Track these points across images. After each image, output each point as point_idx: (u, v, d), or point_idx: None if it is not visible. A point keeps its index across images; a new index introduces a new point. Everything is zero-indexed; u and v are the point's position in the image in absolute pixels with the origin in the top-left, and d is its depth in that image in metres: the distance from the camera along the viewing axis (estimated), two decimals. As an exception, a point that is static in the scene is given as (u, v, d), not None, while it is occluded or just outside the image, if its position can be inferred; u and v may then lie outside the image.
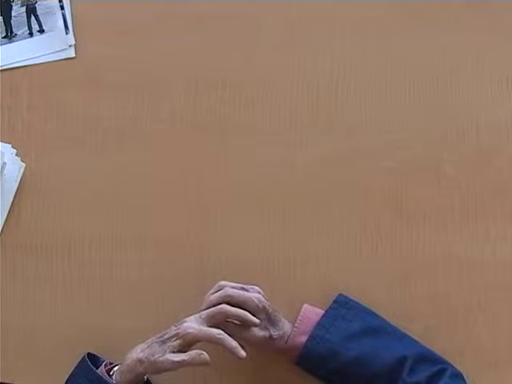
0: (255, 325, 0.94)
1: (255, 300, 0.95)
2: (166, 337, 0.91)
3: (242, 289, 0.96)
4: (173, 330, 0.91)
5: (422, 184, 1.05)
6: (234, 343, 0.90)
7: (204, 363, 0.89)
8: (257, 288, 0.97)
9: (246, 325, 0.95)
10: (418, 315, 1.03)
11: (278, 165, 1.06)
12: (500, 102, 1.07)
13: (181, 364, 0.89)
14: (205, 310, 0.94)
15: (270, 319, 0.96)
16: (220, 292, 0.95)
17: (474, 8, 1.08)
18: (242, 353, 0.90)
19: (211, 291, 0.96)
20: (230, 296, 0.94)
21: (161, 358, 0.89)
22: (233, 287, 0.96)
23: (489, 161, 1.06)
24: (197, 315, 0.93)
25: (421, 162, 1.06)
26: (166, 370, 0.89)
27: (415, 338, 1.00)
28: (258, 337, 0.96)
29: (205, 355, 0.88)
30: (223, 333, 0.90)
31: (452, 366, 0.98)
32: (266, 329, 0.96)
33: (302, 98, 1.07)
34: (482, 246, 1.05)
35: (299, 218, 1.05)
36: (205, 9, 1.08)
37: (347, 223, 1.05)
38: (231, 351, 0.90)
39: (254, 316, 0.95)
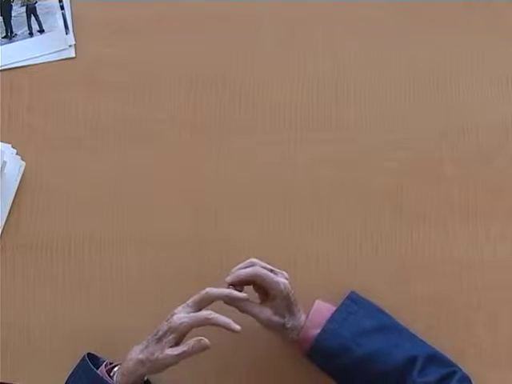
0: (244, 299, 0.94)
1: (282, 285, 0.95)
2: (160, 334, 0.91)
3: (272, 271, 0.96)
4: (165, 326, 0.91)
5: (422, 184, 1.06)
6: (226, 319, 0.90)
7: (205, 348, 0.89)
8: (285, 274, 0.97)
9: (262, 302, 0.95)
10: (418, 315, 1.03)
11: (278, 165, 1.06)
12: (500, 102, 1.07)
13: (182, 356, 0.89)
14: (231, 282, 0.94)
15: (289, 308, 0.96)
16: (251, 269, 0.95)
17: (474, 8, 1.08)
18: (237, 327, 0.89)
19: (241, 265, 0.96)
20: (259, 276, 0.94)
21: (161, 356, 0.89)
22: (263, 267, 0.96)
23: (489, 161, 1.06)
24: (184, 305, 0.92)
25: (421, 161, 1.06)
26: (169, 365, 0.90)
27: (415, 338, 1.01)
28: (272, 321, 0.95)
29: (204, 340, 0.89)
30: (213, 312, 0.90)
31: (461, 369, 0.98)
32: (282, 316, 0.96)
33: (301, 97, 1.07)
34: (481, 246, 1.05)
35: (299, 218, 1.05)
36: (205, 9, 1.08)
37: (347, 223, 1.05)
38: (225, 327, 0.89)
39: (275, 300, 0.95)
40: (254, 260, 0.97)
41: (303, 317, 0.98)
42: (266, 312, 0.95)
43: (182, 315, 0.91)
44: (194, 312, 0.91)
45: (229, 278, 0.95)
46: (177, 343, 0.90)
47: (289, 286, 0.96)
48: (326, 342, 0.95)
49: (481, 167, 1.06)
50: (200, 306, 0.92)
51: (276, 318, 0.96)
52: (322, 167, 1.06)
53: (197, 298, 0.92)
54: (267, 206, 1.06)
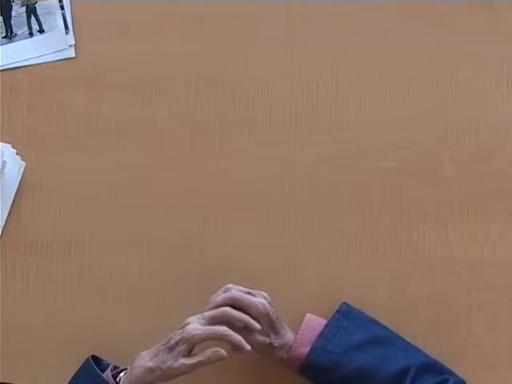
0: (256, 329, 0.94)
1: (259, 305, 0.95)
2: (172, 343, 0.90)
3: (249, 293, 0.96)
4: (177, 335, 0.91)
5: (422, 184, 1.05)
6: (239, 337, 0.90)
7: (222, 359, 0.89)
8: (263, 294, 0.97)
9: (247, 329, 0.94)
10: (417, 315, 1.03)
11: (278, 165, 1.06)
12: (500, 102, 1.07)
13: (197, 366, 0.89)
14: (209, 310, 0.94)
15: (272, 326, 0.96)
16: (226, 294, 0.95)
17: (474, 8, 1.08)
18: (248, 347, 0.90)
19: (218, 293, 0.96)
20: (235, 299, 0.94)
21: (175, 365, 0.89)
22: (239, 290, 0.96)
23: (489, 161, 1.06)
24: (199, 316, 0.92)
25: (421, 161, 1.06)
26: (182, 374, 0.89)
27: (415, 338, 1.00)
28: (258, 341, 0.95)
29: (221, 351, 0.89)
30: (228, 329, 0.90)
31: (456, 375, 0.98)
32: (267, 335, 0.96)
33: (301, 97, 1.07)
34: (481, 246, 1.05)
35: (299, 218, 1.05)
36: (205, 9, 1.08)
37: (347, 223, 1.05)
38: (237, 346, 0.90)
39: (257, 321, 0.95)
40: (229, 285, 0.97)
41: (289, 334, 0.98)
42: (251, 334, 0.95)
43: (196, 326, 0.91)
44: (207, 325, 0.91)
45: (208, 307, 0.94)
46: (189, 353, 0.90)
47: (268, 306, 0.96)
48: (316, 359, 0.95)
49: (481, 167, 1.06)
50: (214, 321, 0.92)
51: (262, 339, 0.96)
52: (322, 167, 1.06)
53: (214, 313, 0.92)
54: (267, 205, 1.06)
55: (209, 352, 0.89)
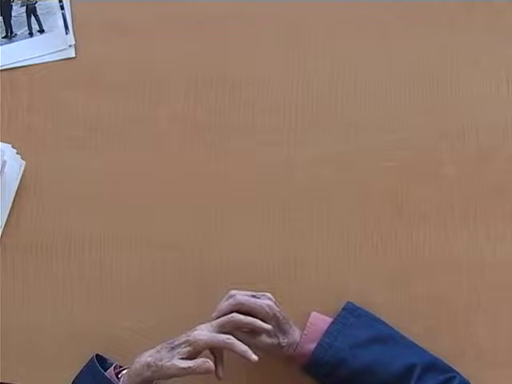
0: (267, 331, 0.94)
1: (266, 307, 0.95)
2: (175, 343, 0.91)
3: (253, 296, 0.96)
4: (183, 337, 0.91)
5: (422, 184, 1.05)
6: (244, 347, 0.90)
7: (208, 371, 0.89)
8: (268, 295, 0.97)
9: (255, 332, 0.95)
10: (417, 315, 1.03)
11: (278, 165, 1.06)
12: (500, 102, 1.07)
13: (186, 371, 0.89)
14: (216, 318, 0.94)
15: (279, 327, 0.96)
16: (231, 300, 0.95)
17: (474, 8, 1.08)
18: (254, 357, 0.90)
19: (223, 300, 0.96)
20: (240, 303, 0.95)
21: (168, 364, 0.89)
22: (243, 295, 0.96)
23: (489, 161, 1.06)
24: (208, 324, 0.93)
25: (421, 161, 1.06)
26: (172, 375, 0.89)
27: (415, 338, 1.00)
28: (267, 344, 0.96)
29: (209, 363, 0.89)
30: (232, 338, 0.90)
31: (460, 375, 0.98)
32: (276, 336, 0.96)
33: (301, 97, 1.07)
34: (481, 246, 1.05)
35: (299, 218, 1.05)
36: (205, 9, 1.08)
37: (347, 223, 1.05)
38: (242, 355, 0.90)
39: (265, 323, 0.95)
40: (233, 292, 0.97)
41: (297, 332, 0.98)
42: (258, 337, 0.95)
43: (202, 332, 0.91)
44: (215, 333, 0.91)
45: (214, 315, 0.95)
46: (189, 357, 0.90)
47: (274, 307, 0.96)
48: (323, 356, 0.96)
49: (481, 167, 1.06)
50: (223, 329, 0.92)
51: (270, 341, 0.96)
52: (321, 167, 1.06)
53: (222, 321, 0.93)
54: (267, 206, 1.06)
55: (200, 360, 0.89)
